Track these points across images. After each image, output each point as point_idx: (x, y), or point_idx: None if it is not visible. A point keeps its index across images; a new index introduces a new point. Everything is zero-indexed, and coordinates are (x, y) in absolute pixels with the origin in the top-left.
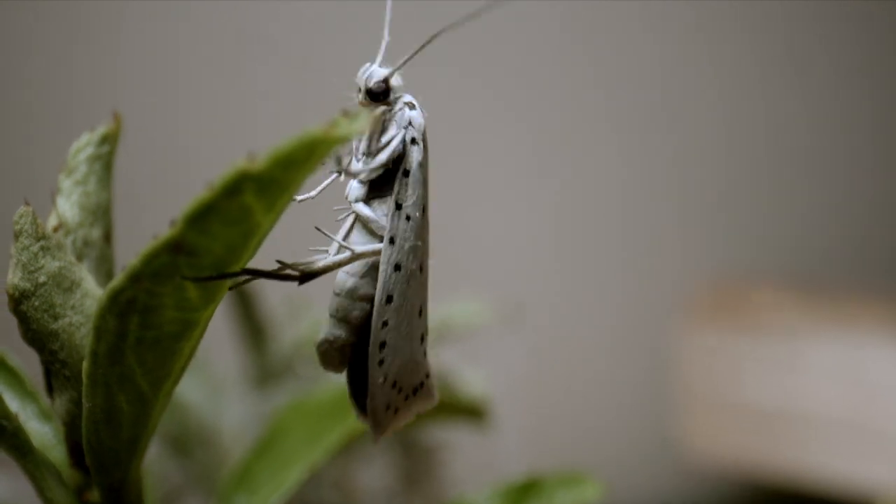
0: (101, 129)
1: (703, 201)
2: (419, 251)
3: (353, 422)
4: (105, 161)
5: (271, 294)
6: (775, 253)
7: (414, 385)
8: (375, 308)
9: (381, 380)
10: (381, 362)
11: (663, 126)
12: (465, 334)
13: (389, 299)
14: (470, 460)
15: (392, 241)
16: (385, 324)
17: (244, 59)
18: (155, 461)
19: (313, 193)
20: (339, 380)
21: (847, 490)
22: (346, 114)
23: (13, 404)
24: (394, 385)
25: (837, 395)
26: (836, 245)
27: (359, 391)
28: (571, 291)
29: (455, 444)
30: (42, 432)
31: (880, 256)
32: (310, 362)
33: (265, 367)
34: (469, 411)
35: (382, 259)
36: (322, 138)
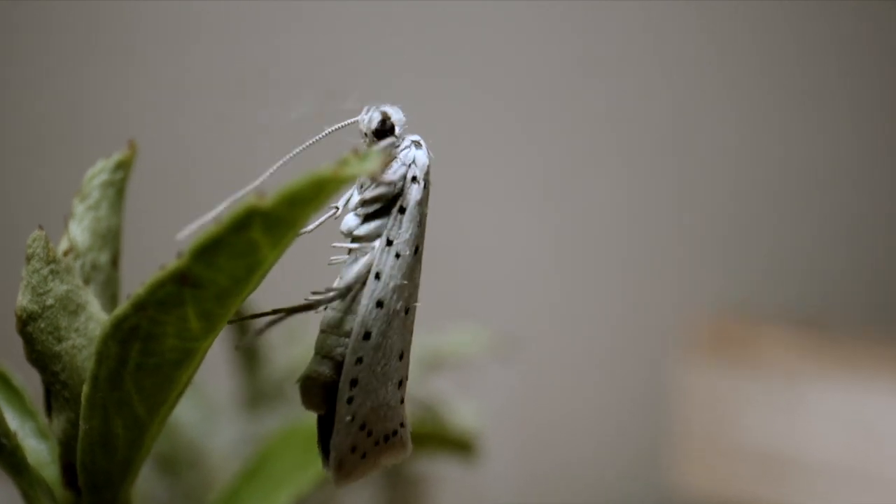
0: (116, 156)
1: (706, 236)
2: (405, 291)
3: None
4: (118, 187)
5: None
6: (779, 291)
7: (386, 432)
8: (351, 343)
9: (348, 418)
10: (349, 400)
11: (667, 158)
12: (458, 364)
13: (367, 335)
14: (458, 491)
15: (377, 276)
16: (359, 360)
17: (255, 88)
18: (142, 480)
19: (310, 228)
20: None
21: None
22: (356, 153)
23: (13, 423)
24: (362, 427)
25: (839, 439)
26: (841, 285)
27: (328, 437)
28: (568, 323)
29: (443, 475)
30: (38, 450)
31: (886, 298)
32: None
33: (257, 390)
34: (458, 444)
35: (365, 293)
36: (331, 178)
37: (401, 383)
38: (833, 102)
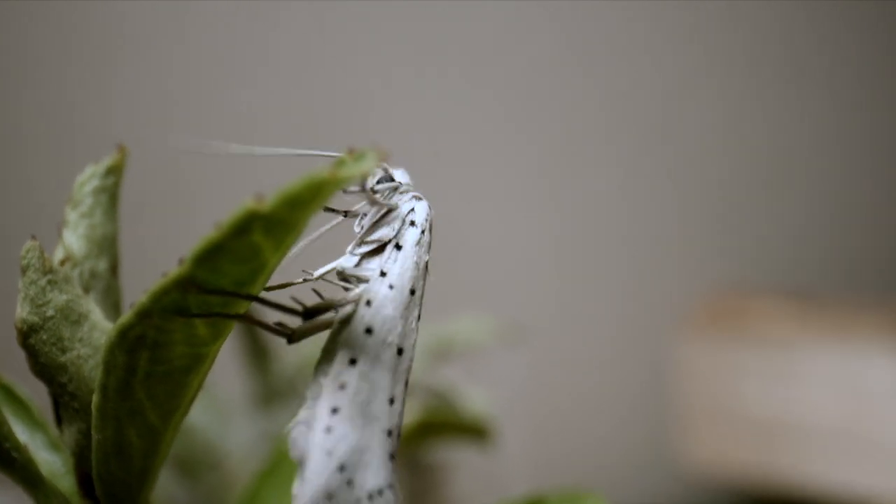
0: (106, 161)
1: (701, 216)
2: (398, 326)
3: None
4: (110, 193)
5: (270, 316)
6: (771, 265)
7: (370, 488)
8: (335, 366)
9: (326, 447)
10: (328, 429)
11: (662, 142)
12: (466, 352)
13: (353, 361)
14: (474, 477)
15: (368, 303)
16: (342, 386)
17: (248, 89)
18: (162, 484)
19: (302, 244)
20: None
21: (844, 498)
22: (351, 154)
23: (22, 435)
24: (341, 469)
25: (834, 404)
26: (831, 257)
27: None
28: (571, 306)
29: (460, 461)
30: (51, 461)
31: (873, 267)
32: None
33: (269, 388)
34: (472, 430)
35: (355, 318)
36: (328, 179)
37: (390, 433)
38: (814, 86)
